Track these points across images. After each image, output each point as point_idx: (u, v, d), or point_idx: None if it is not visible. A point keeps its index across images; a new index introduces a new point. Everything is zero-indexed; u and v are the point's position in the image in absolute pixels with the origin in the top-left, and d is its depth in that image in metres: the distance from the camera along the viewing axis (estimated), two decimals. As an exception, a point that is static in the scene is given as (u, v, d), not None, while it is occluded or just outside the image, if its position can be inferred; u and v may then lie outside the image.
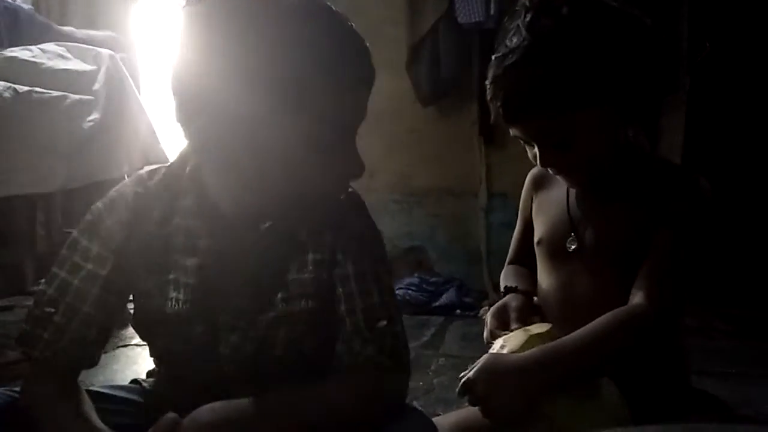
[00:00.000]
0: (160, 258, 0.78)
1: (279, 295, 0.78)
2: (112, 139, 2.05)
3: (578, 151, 0.83)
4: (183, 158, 0.80)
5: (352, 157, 0.72)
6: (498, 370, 0.76)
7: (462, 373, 0.79)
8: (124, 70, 2.13)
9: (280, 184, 0.70)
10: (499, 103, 0.83)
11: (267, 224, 0.77)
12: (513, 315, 0.91)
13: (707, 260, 0.88)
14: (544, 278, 0.97)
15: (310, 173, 0.70)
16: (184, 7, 0.68)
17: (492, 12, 2.63)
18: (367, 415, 0.73)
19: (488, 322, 0.93)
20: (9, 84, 1.78)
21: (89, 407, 0.74)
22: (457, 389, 0.78)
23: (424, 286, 2.79)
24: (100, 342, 0.79)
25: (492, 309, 0.95)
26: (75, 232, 0.79)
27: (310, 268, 0.79)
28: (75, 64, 1.99)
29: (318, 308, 0.78)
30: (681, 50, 2.45)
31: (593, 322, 0.79)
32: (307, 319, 0.78)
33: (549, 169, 0.88)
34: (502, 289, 1.01)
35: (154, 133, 2.27)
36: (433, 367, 1.94)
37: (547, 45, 0.78)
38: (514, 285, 0.99)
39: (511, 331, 0.87)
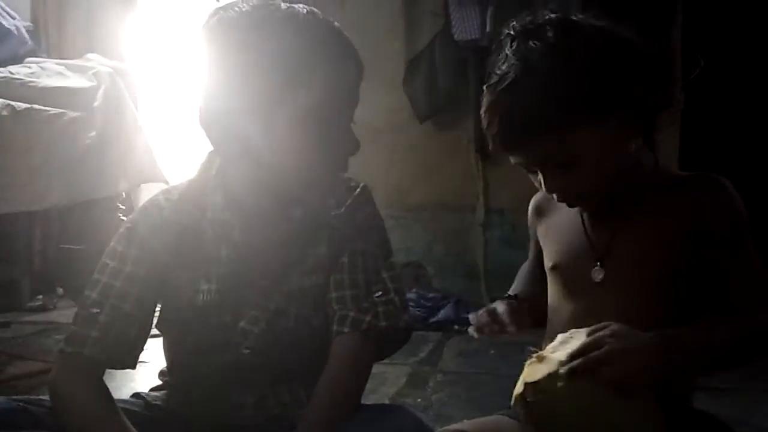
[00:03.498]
0: (193, 252, 0.86)
1: (296, 270, 0.87)
2: (110, 157, 2.05)
3: (584, 169, 0.81)
4: (207, 163, 0.90)
5: (347, 135, 0.83)
6: (630, 340, 0.73)
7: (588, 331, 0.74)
8: (123, 89, 2.15)
9: (289, 164, 0.80)
10: (495, 130, 0.81)
11: (298, 212, 0.86)
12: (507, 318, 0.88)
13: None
14: (563, 305, 0.91)
15: (313, 148, 0.80)
16: (201, 26, 0.81)
17: (488, 29, 2.65)
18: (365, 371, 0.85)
19: (478, 317, 0.91)
20: (7, 102, 1.79)
21: (124, 417, 0.80)
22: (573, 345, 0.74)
23: (421, 301, 2.78)
24: (140, 341, 0.85)
25: (488, 309, 0.92)
26: (113, 243, 0.87)
27: (325, 246, 0.88)
28: (74, 82, 2.01)
29: (326, 285, 0.87)
30: (674, 66, 2.47)
31: (728, 325, 0.78)
32: (316, 295, 0.87)
33: (556, 196, 0.85)
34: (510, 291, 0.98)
35: (152, 151, 2.28)
36: (431, 384, 1.93)
37: (536, 66, 0.78)
38: (514, 294, 0.96)
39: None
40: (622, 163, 0.84)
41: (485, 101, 0.83)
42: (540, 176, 0.84)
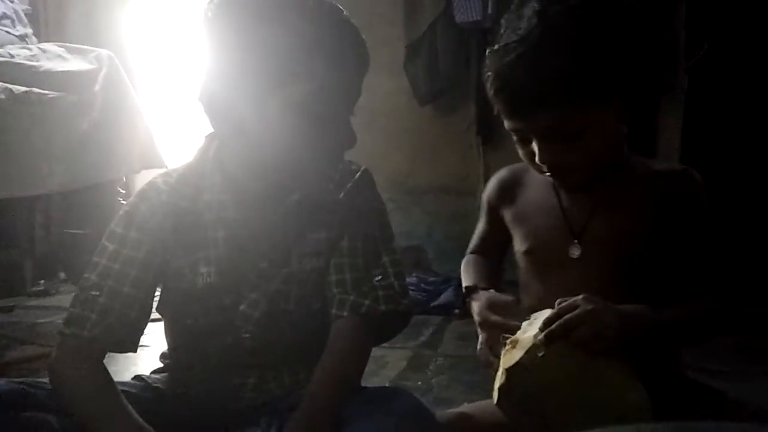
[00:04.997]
0: (192, 234, 0.86)
1: (295, 253, 0.87)
2: (110, 142, 2.04)
3: (585, 147, 0.82)
4: (205, 145, 0.90)
5: (345, 129, 0.82)
6: (599, 303, 0.77)
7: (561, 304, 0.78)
8: (123, 73, 2.13)
9: (284, 150, 0.80)
10: (504, 96, 0.81)
11: (296, 196, 0.86)
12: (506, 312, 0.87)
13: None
14: (539, 287, 0.94)
15: (309, 136, 0.79)
16: (207, 2, 0.79)
17: (489, 11, 2.63)
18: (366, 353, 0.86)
19: (483, 336, 0.88)
20: (5, 85, 1.78)
21: (125, 399, 0.80)
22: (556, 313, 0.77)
23: (422, 285, 2.79)
24: (140, 323, 0.85)
25: (482, 315, 0.89)
26: (112, 225, 0.87)
27: (325, 229, 0.88)
28: (74, 65, 2.00)
29: (327, 268, 0.87)
30: (678, 49, 2.45)
31: (686, 305, 0.83)
32: (316, 278, 0.87)
33: (544, 168, 0.85)
34: (467, 283, 0.97)
35: (152, 135, 2.27)
36: (431, 367, 1.94)
37: (559, 34, 0.76)
38: (476, 284, 0.95)
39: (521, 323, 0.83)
40: (616, 142, 0.86)
41: (495, 65, 0.81)
42: (535, 146, 0.83)
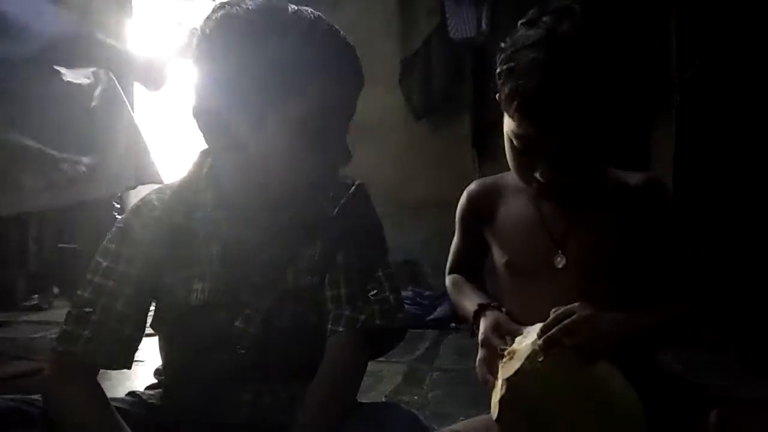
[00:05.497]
0: (186, 251, 0.86)
1: (290, 269, 0.87)
2: (107, 158, 2.04)
3: (581, 164, 0.86)
4: (200, 161, 0.89)
5: (341, 146, 0.83)
6: (593, 310, 0.82)
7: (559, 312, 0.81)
8: (119, 88, 2.13)
9: (279, 167, 0.81)
10: (540, 109, 0.81)
11: (291, 213, 0.86)
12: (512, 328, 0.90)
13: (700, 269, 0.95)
14: (522, 297, 0.95)
15: (305, 152, 0.80)
16: (205, 19, 0.80)
17: (483, 27, 2.66)
18: (362, 368, 0.86)
19: (482, 353, 0.90)
20: (2, 99, 1.78)
21: (119, 416, 0.80)
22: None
23: (418, 299, 2.78)
24: (134, 340, 0.85)
25: (486, 334, 0.91)
26: (105, 242, 0.87)
27: (320, 245, 0.88)
28: (72, 78, 1.99)
29: (322, 284, 0.87)
30: (670, 66, 2.48)
31: (668, 307, 0.90)
32: (311, 295, 0.87)
33: (539, 173, 0.86)
34: (473, 307, 0.97)
35: (148, 152, 2.27)
36: (427, 381, 1.93)
37: (598, 55, 0.79)
38: (487, 302, 0.97)
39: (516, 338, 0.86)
40: (608, 155, 0.91)
41: (532, 56, 0.81)
42: (540, 160, 0.86)
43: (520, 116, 0.84)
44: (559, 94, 0.79)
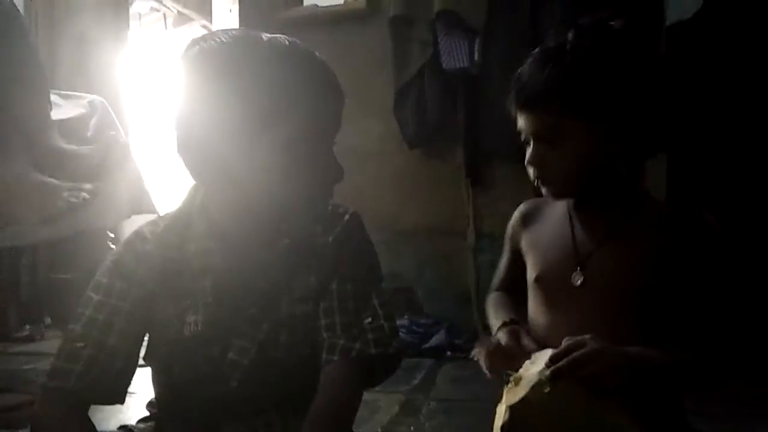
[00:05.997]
0: (179, 283, 0.85)
1: (284, 299, 0.86)
2: (102, 188, 2.04)
3: (566, 155, 0.87)
4: (192, 194, 0.90)
5: (331, 163, 0.83)
6: (605, 343, 0.79)
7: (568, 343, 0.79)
8: (115, 118, 2.15)
9: (270, 195, 0.81)
10: (516, 92, 0.90)
11: (285, 241, 0.86)
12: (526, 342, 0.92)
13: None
14: (546, 317, 0.95)
15: (297, 176, 0.80)
16: (181, 56, 0.80)
17: (476, 58, 2.70)
18: (357, 398, 0.84)
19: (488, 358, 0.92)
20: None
21: None
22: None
23: (413, 327, 2.77)
24: (126, 374, 0.85)
25: (502, 339, 0.94)
26: (97, 275, 0.87)
27: (314, 273, 0.88)
28: (68, 111, 2.01)
29: (316, 313, 0.86)
30: (667, 109, 2.51)
31: (698, 350, 0.84)
32: (305, 323, 0.86)
33: (533, 172, 0.91)
34: (498, 321, 0.99)
35: (143, 182, 2.27)
36: (424, 411, 1.92)
37: (576, 55, 0.86)
38: (511, 318, 0.98)
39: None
40: (602, 171, 0.89)
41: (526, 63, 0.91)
42: (530, 147, 0.90)
43: (516, 106, 0.90)
44: (532, 74, 0.88)
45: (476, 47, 2.69)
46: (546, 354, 0.79)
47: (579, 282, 0.91)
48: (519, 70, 0.91)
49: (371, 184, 2.90)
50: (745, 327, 0.85)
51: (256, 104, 0.76)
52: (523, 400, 0.76)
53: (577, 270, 0.91)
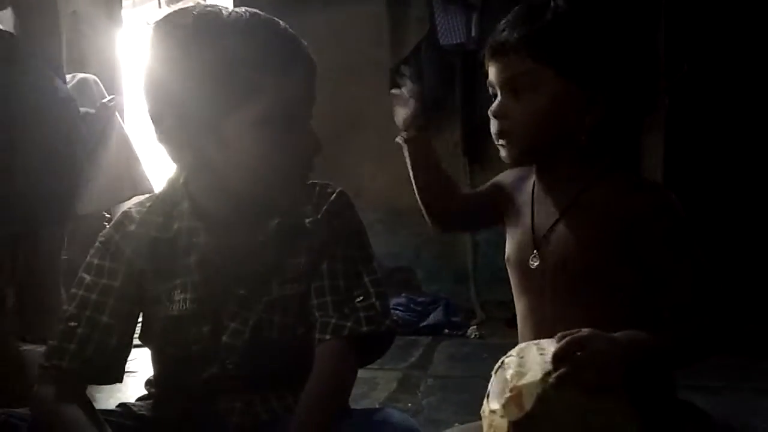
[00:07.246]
0: (166, 263, 0.86)
1: (275, 280, 0.86)
2: (99, 171, 2.03)
3: (529, 105, 0.86)
4: (176, 174, 0.90)
5: (308, 135, 0.83)
6: (602, 340, 0.74)
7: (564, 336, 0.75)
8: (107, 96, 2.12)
9: (251, 173, 0.81)
10: (492, 38, 0.90)
11: (274, 221, 0.86)
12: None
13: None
14: (519, 300, 0.94)
15: (273, 153, 0.80)
16: (149, 28, 0.80)
17: (473, 34, 2.67)
18: (352, 376, 0.85)
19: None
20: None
21: (108, 430, 0.80)
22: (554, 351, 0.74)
23: (411, 306, 2.78)
24: (121, 352, 0.85)
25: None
26: (88, 257, 0.88)
27: (304, 253, 0.87)
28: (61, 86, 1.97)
29: (308, 293, 0.87)
30: (659, 70, 2.50)
31: (679, 328, 0.80)
32: (298, 303, 0.87)
33: (495, 125, 0.90)
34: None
35: (140, 163, 2.25)
36: (421, 388, 1.93)
37: (560, 8, 0.85)
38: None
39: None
40: (562, 132, 0.87)
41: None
42: (496, 100, 0.89)
43: (489, 55, 0.90)
44: (502, 25, 0.88)
45: (473, 22, 2.66)
46: (534, 353, 0.76)
47: (535, 265, 0.89)
48: (498, 24, 0.90)
49: (368, 163, 2.88)
50: (715, 304, 0.81)
51: (219, 83, 0.75)
52: (528, 415, 0.73)
53: (534, 253, 0.90)
